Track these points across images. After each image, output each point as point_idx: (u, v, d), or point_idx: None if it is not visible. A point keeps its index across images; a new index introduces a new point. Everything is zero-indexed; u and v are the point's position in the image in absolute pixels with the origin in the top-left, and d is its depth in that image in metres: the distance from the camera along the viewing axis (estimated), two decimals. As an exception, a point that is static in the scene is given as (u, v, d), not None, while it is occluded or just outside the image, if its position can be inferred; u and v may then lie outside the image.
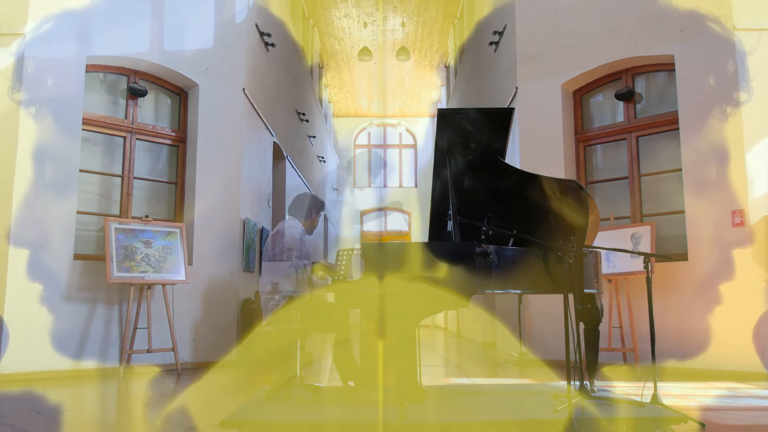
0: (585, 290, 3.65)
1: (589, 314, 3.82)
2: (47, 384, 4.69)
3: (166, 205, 6.42)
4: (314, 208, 4.42)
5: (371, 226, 18.18)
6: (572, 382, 3.11)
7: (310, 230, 4.42)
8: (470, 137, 3.71)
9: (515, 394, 4.14)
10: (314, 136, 12.43)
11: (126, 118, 6.13)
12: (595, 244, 3.92)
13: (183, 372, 5.51)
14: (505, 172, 3.84)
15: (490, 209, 3.82)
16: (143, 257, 5.54)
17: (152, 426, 3.21)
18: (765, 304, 5.00)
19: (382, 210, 18.22)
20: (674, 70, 5.77)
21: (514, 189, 3.84)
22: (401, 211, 18.09)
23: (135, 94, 6.12)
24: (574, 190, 3.72)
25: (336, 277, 4.10)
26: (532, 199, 3.79)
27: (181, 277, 5.71)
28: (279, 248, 4.18)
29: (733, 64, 5.30)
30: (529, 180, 3.82)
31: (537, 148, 6.53)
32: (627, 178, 6.21)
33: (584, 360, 3.77)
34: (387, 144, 18.92)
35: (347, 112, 18.23)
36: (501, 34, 7.69)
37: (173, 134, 6.44)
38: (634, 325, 5.41)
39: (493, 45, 8.03)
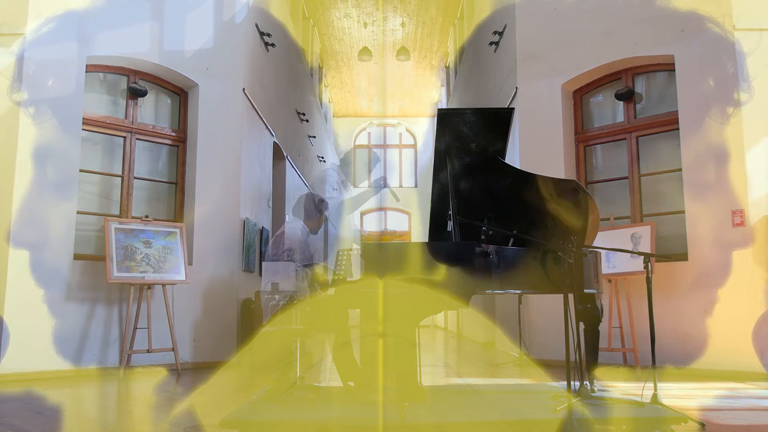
0: (585, 290, 3.65)
1: (589, 314, 3.82)
2: (47, 384, 4.69)
3: (166, 205, 6.42)
4: (317, 208, 4.42)
5: (371, 226, 18.18)
6: (572, 382, 3.11)
7: (314, 230, 4.42)
8: (470, 137, 3.71)
9: (515, 394, 4.15)
10: (314, 136, 12.43)
11: (126, 118, 6.13)
12: (595, 244, 3.92)
13: (183, 372, 5.51)
14: (505, 172, 3.84)
15: (490, 209, 3.82)
16: (143, 257, 5.54)
17: (152, 426, 3.21)
18: (765, 304, 5.00)
19: (382, 210, 18.22)
20: (674, 70, 5.77)
21: (514, 189, 3.84)
22: (401, 210, 18.09)
23: (135, 94, 6.12)
24: (573, 190, 3.73)
25: (336, 278, 4.10)
26: (532, 200, 3.79)
27: (181, 277, 5.71)
28: (280, 249, 4.19)
29: (733, 64, 5.30)
30: (529, 180, 3.82)
31: (537, 148, 6.53)
32: (627, 178, 6.21)
33: (584, 360, 3.77)
34: (387, 144, 18.92)
35: (347, 112, 18.23)
36: (501, 34, 7.69)
37: (173, 134, 6.44)
38: (634, 325, 5.41)
39: (493, 45, 8.03)
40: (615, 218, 5.96)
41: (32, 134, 5.25)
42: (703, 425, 3.02)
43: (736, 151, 5.25)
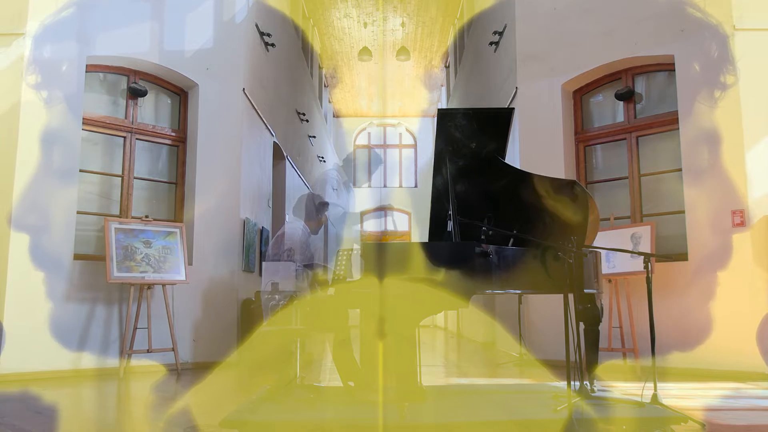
0: (585, 290, 3.65)
1: (589, 314, 3.82)
2: (47, 384, 4.69)
3: (166, 205, 6.42)
4: (317, 208, 4.43)
5: (371, 226, 18.18)
6: (572, 382, 3.11)
7: (315, 230, 4.43)
8: (470, 137, 3.71)
9: (515, 394, 4.14)
10: (314, 136, 12.43)
11: (126, 118, 6.13)
12: (595, 244, 3.92)
13: (183, 372, 5.51)
14: (505, 172, 3.84)
15: (490, 209, 3.82)
16: (143, 257, 5.54)
17: (152, 426, 3.21)
18: (766, 304, 5.00)
19: (382, 210, 18.22)
20: (674, 70, 5.77)
21: (514, 189, 3.84)
22: (401, 210, 18.09)
23: (135, 94, 6.12)
24: (574, 190, 3.72)
25: (336, 278, 4.10)
26: (532, 199, 3.79)
27: (181, 277, 5.71)
28: (280, 249, 4.19)
29: (733, 62, 5.30)
30: (529, 180, 3.81)
31: (537, 148, 6.53)
32: (627, 178, 6.21)
33: (584, 360, 3.77)
34: (387, 144, 18.92)
35: (347, 112, 18.23)
36: (501, 34, 7.69)
37: (173, 134, 6.44)
38: (634, 325, 5.41)
39: (493, 45, 8.03)
40: (615, 218, 5.96)
41: (32, 135, 5.25)
42: (703, 425, 3.02)
43: (736, 151, 5.25)
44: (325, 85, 15.43)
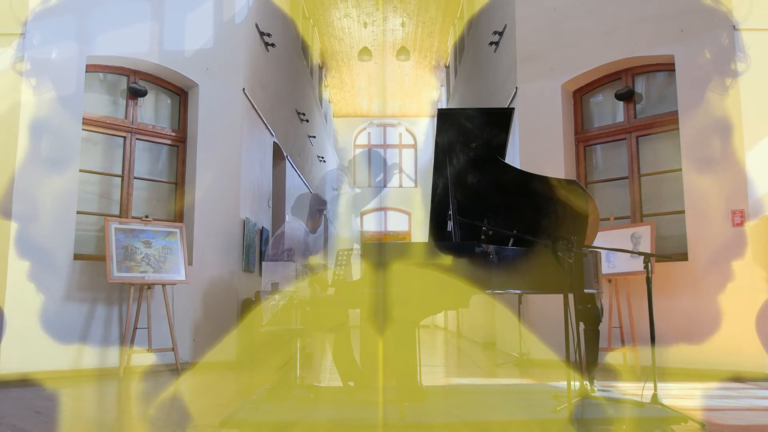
0: (585, 290, 3.65)
1: (589, 314, 3.82)
2: (47, 384, 4.69)
3: (166, 205, 6.42)
4: (316, 207, 4.44)
5: (371, 226, 18.18)
6: (572, 382, 3.11)
7: (313, 229, 4.43)
8: (470, 137, 3.71)
9: (515, 394, 4.14)
10: (314, 136, 12.43)
11: (126, 118, 6.13)
12: (595, 244, 3.92)
13: (183, 372, 5.51)
14: (505, 172, 3.84)
15: (490, 209, 3.82)
16: (143, 257, 5.54)
17: (152, 426, 3.21)
18: (765, 303, 5.00)
19: (382, 210, 18.22)
20: (674, 70, 5.77)
21: (514, 189, 3.84)
22: (401, 210, 18.09)
23: (135, 94, 6.12)
24: (574, 189, 3.73)
25: (336, 278, 4.10)
26: (532, 199, 3.80)
27: (181, 277, 5.71)
28: (280, 249, 4.19)
29: (735, 62, 5.30)
30: (529, 180, 3.82)
31: (537, 148, 6.53)
32: (627, 178, 6.21)
33: (584, 360, 3.78)
34: (387, 144, 18.92)
35: (347, 112, 18.23)
36: (501, 34, 7.69)
37: (173, 134, 6.44)
38: (634, 324, 5.41)
39: (493, 45, 8.03)
40: (615, 218, 5.96)
41: (32, 134, 5.25)
42: (703, 425, 3.02)
43: (736, 152, 5.25)
44: (325, 86, 15.42)
